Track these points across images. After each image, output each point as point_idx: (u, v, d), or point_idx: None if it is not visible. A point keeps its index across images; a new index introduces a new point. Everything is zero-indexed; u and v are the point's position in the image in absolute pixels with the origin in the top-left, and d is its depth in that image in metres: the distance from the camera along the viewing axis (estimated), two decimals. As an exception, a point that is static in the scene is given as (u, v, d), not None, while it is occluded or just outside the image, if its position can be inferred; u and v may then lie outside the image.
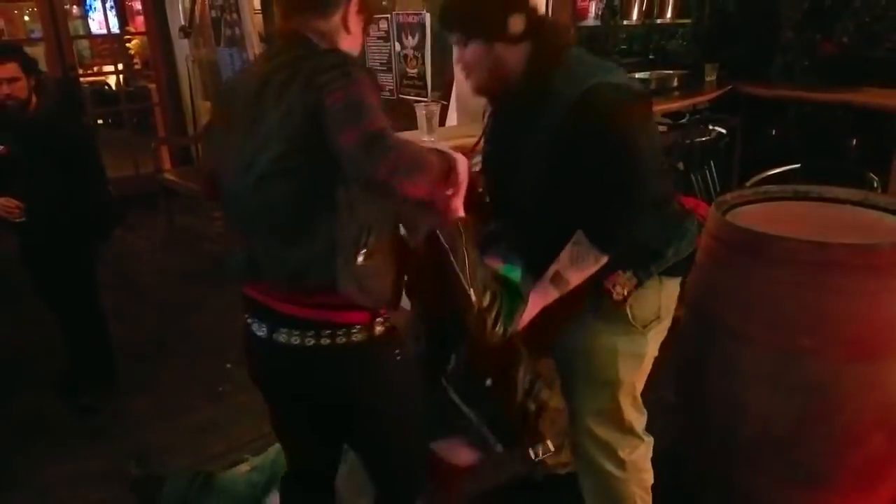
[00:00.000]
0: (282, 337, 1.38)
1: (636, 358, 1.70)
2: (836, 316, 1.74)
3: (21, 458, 2.65)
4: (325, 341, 1.35)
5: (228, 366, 3.20)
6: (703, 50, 4.73)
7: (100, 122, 6.95)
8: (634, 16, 4.04)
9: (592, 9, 3.79)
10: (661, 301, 1.68)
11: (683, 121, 3.95)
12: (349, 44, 1.40)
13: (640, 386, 1.77)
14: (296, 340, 1.36)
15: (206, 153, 1.47)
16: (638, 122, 1.48)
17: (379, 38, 3.56)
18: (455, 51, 1.61)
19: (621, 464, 1.78)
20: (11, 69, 2.55)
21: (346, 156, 1.17)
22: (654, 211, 1.59)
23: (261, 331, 1.41)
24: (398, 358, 1.46)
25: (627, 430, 1.77)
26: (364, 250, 1.30)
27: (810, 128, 4.29)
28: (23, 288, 3.35)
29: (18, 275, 3.30)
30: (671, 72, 4.30)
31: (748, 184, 2.85)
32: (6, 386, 3.10)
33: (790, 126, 4.40)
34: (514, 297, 1.46)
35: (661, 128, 3.87)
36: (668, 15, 4.21)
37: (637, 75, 4.20)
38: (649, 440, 1.83)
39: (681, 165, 3.67)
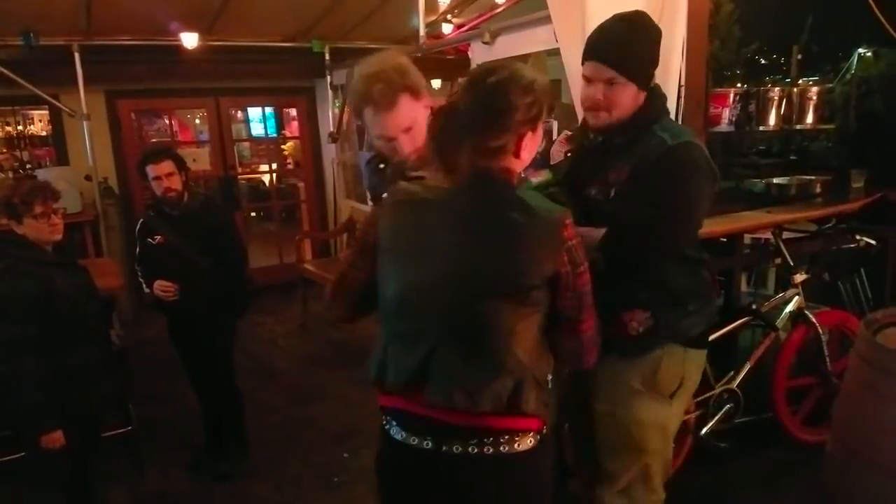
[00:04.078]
0: (455, 447, 1.31)
1: (660, 428, 1.86)
2: None
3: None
4: (489, 450, 1.30)
5: (346, 455, 3.27)
6: (849, 153, 4.47)
7: (252, 214, 7.65)
8: (772, 121, 3.88)
9: (726, 115, 3.71)
10: (684, 370, 1.85)
11: (828, 226, 3.70)
12: (518, 165, 1.39)
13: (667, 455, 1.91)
14: (458, 449, 1.31)
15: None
16: (705, 185, 1.71)
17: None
18: (582, 88, 1.79)
19: None
20: (168, 166, 2.96)
21: (562, 351, 1.40)
22: (683, 262, 1.80)
23: (425, 444, 1.34)
24: (552, 468, 1.41)
25: (653, 490, 1.90)
26: (550, 375, 1.37)
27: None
28: (163, 368, 3.64)
29: (159, 356, 3.60)
30: (813, 177, 4.08)
31: (905, 299, 2.60)
32: (137, 461, 3.25)
33: (952, 237, 3.98)
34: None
35: (802, 234, 3.65)
36: (809, 120, 4.01)
37: (775, 180, 4.03)
38: None
39: (826, 276, 3.42)
